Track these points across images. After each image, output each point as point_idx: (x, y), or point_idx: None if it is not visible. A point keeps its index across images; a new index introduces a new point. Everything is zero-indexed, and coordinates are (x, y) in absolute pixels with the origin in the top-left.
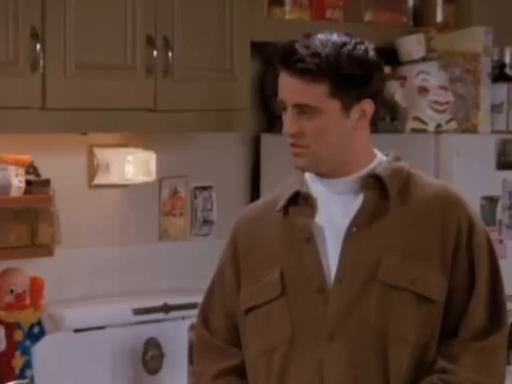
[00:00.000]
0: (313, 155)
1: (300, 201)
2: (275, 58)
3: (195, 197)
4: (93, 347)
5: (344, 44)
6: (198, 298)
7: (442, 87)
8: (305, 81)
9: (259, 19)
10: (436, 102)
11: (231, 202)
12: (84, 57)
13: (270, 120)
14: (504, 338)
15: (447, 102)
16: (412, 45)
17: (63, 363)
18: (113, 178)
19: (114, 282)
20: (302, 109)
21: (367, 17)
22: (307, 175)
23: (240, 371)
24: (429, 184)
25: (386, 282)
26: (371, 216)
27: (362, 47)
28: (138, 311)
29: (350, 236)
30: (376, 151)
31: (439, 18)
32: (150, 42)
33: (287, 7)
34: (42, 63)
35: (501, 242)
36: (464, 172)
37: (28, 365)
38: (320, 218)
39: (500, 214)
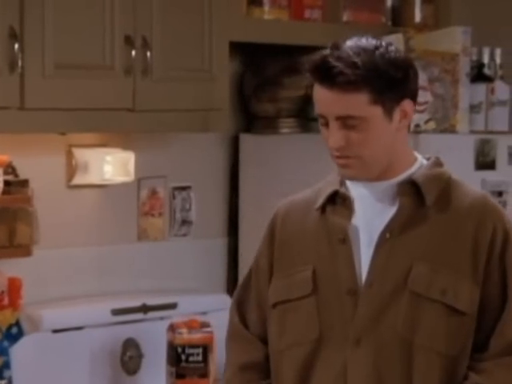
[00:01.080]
0: (361, 164)
1: (338, 200)
2: (310, 73)
3: (174, 197)
4: (71, 348)
5: (376, 48)
6: (177, 299)
7: (421, 87)
8: (345, 92)
9: (238, 19)
10: None
11: (210, 202)
12: (62, 57)
13: (249, 120)
14: None
15: (426, 102)
16: None
17: (41, 364)
18: (91, 178)
19: (93, 283)
20: (344, 121)
21: (346, 17)
22: None
23: (262, 367)
24: (467, 193)
25: (416, 291)
26: (406, 223)
27: (393, 48)
28: (116, 311)
29: (382, 241)
30: (416, 154)
31: (418, 18)
32: (129, 42)
33: (266, 7)
34: (20, 63)
35: None
36: None
37: (6, 365)
38: (356, 220)
39: None
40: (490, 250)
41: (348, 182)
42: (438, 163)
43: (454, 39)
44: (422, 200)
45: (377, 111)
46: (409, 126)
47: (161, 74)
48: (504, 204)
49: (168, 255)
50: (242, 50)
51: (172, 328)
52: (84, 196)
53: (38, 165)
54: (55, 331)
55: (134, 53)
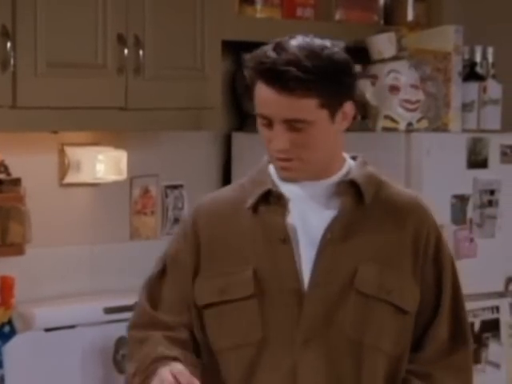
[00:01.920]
0: (303, 166)
1: (272, 199)
2: (256, 74)
3: (166, 195)
4: (64, 346)
5: (322, 49)
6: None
7: (413, 86)
8: (295, 97)
9: (230, 18)
10: (407, 101)
11: None
12: (55, 55)
13: (241, 119)
14: (471, 354)
15: (418, 101)
16: (383, 43)
17: (34, 362)
18: (84, 176)
19: (85, 281)
20: (291, 123)
21: (338, 15)
22: (274, 174)
23: (189, 345)
24: (399, 193)
25: (363, 292)
26: (347, 223)
27: (337, 48)
28: (109, 310)
29: (325, 242)
30: (344, 154)
31: (410, 16)
32: (121, 40)
33: (258, 6)
34: (12, 61)
35: (471, 240)
36: (435, 171)
37: None
38: (293, 219)
39: (471, 212)
40: (426, 252)
41: (278, 181)
42: (365, 163)
43: (446, 38)
44: (360, 199)
45: (323, 114)
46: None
47: (153, 73)
48: (496, 203)
49: (160, 254)
50: (235, 49)
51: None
52: (76, 195)
53: (30, 163)
54: (47, 330)
55: (126, 51)
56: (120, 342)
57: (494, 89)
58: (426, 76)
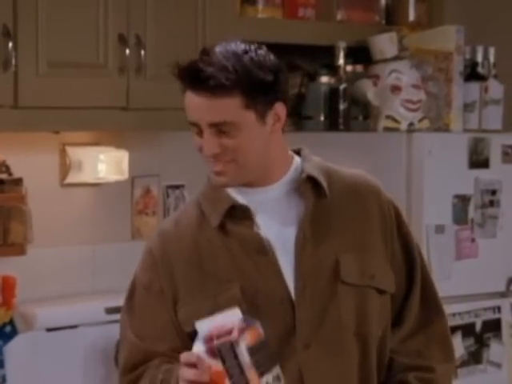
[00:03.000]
0: (236, 170)
1: (237, 214)
2: (179, 80)
3: (168, 196)
4: (65, 346)
5: (245, 52)
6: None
7: (415, 86)
8: (216, 97)
9: (231, 18)
10: (408, 101)
11: None
12: (56, 55)
13: None
14: (446, 322)
15: (419, 101)
16: (384, 43)
17: (35, 362)
18: (85, 176)
19: (87, 281)
20: (218, 127)
21: (339, 15)
22: (229, 189)
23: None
24: (347, 175)
25: (349, 282)
26: (314, 219)
27: (263, 52)
28: (110, 310)
29: (300, 243)
30: (289, 152)
31: (411, 16)
32: (123, 40)
33: (259, 6)
34: (13, 61)
35: (473, 240)
36: (436, 171)
37: (0, 364)
38: (261, 229)
39: (472, 212)
40: (391, 229)
41: (233, 195)
42: (309, 154)
43: (448, 38)
44: (320, 192)
45: (250, 116)
46: (283, 128)
47: (154, 73)
48: (497, 203)
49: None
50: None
51: None
52: (78, 195)
53: (31, 163)
54: (49, 330)
55: (127, 51)
56: None
57: (496, 89)
58: (427, 76)
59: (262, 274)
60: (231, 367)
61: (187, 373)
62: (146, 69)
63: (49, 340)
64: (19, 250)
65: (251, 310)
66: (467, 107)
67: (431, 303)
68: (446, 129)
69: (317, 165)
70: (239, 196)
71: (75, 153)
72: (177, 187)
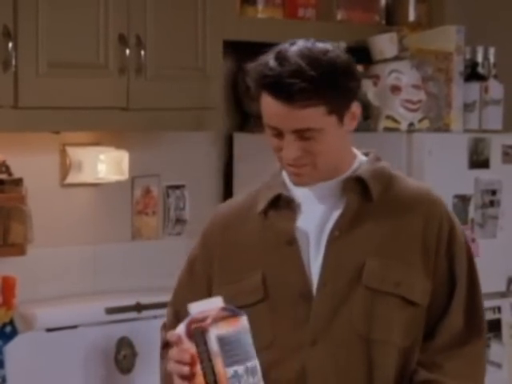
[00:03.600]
0: (315, 171)
1: (281, 204)
2: (260, 87)
3: (168, 196)
4: (65, 347)
5: (324, 54)
6: (171, 297)
7: (415, 86)
8: (303, 108)
9: (231, 18)
10: (408, 101)
11: (204, 200)
12: (56, 55)
13: (243, 119)
14: (484, 345)
15: (420, 101)
16: (384, 43)
17: (35, 363)
18: (85, 176)
19: (87, 281)
20: (301, 133)
21: (339, 16)
22: (287, 178)
23: None
24: (410, 186)
25: (370, 286)
26: (354, 219)
27: (338, 51)
28: (110, 310)
29: (332, 240)
30: (355, 151)
31: (412, 16)
32: (123, 40)
33: (259, 6)
34: (14, 62)
35: (473, 240)
36: (436, 171)
37: (0, 365)
38: (302, 222)
39: (472, 212)
40: (437, 245)
41: (289, 185)
42: (377, 158)
43: (448, 38)
44: (367, 196)
45: (332, 120)
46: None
47: (155, 73)
48: (498, 203)
49: (162, 254)
50: (236, 49)
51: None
52: (78, 195)
53: (31, 164)
54: (49, 330)
55: (127, 51)
56: (121, 343)
57: (496, 89)
58: (427, 76)
59: (286, 265)
60: (201, 352)
61: (172, 351)
62: (146, 69)
63: (49, 340)
64: (19, 250)
65: (268, 299)
66: (467, 107)
67: (473, 324)
68: (446, 129)
69: (377, 170)
70: (296, 188)
71: (75, 153)
72: (177, 187)
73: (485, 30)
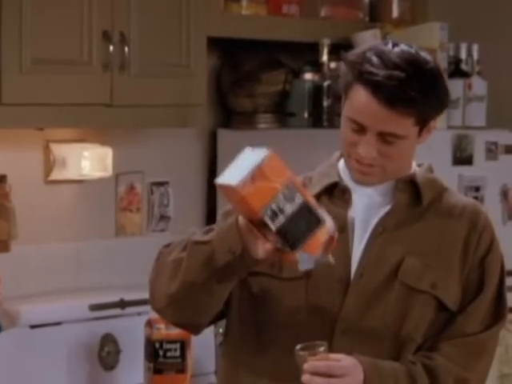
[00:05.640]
0: (382, 173)
1: (336, 192)
2: (359, 80)
3: (152, 192)
4: (49, 343)
5: (426, 63)
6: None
7: None
8: (399, 113)
9: (215, 14)
10: None
11: (188, 197)
12: (40, 52)
13: (227, 116)
14: (494, 336)
15: None
16: (368, 40)
17: (19, 359)
18: (69, 173)
19: (70, 278)
20: (384, 136)
21: (323, 12)
22: (342, 169)
23: None
24: (459, 199)
25: (406, 283)
26: (399, 219)
27: (435, 63)
28: (94, 307)
29: (375, 235)
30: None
31: (395, 13)
32: (107, 37)
33: (244, 2)
34: None
35: None
36: None
37: None
38: (353, 213)
39: None
40: (475, 251)
41: (343, 176)
42: (431, 169)
43: (432, 35)
44: (417, 200)
45: (415, 130)
46: None
47: (138, 70)
48: (481, 199)
49: (146, 250)
50: (220, 46)
51: (150, 323)
52: (62, 191)
53: (15, 160)
54: (33, 327)
55: (111, 48)
56: (105, 339)
57: (479, 85)
58: None
59: (334, 250)
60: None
61: None
62: (130, 66)
63: (32, 337)
64: (3, 246)
65: (308, 279)
66: (451, 104)
67: (489, 326)
68: None
69: (430, 179)
70: (345, 178)
71: (59, 149)
72: (161, 184)
73: (468, 27)
